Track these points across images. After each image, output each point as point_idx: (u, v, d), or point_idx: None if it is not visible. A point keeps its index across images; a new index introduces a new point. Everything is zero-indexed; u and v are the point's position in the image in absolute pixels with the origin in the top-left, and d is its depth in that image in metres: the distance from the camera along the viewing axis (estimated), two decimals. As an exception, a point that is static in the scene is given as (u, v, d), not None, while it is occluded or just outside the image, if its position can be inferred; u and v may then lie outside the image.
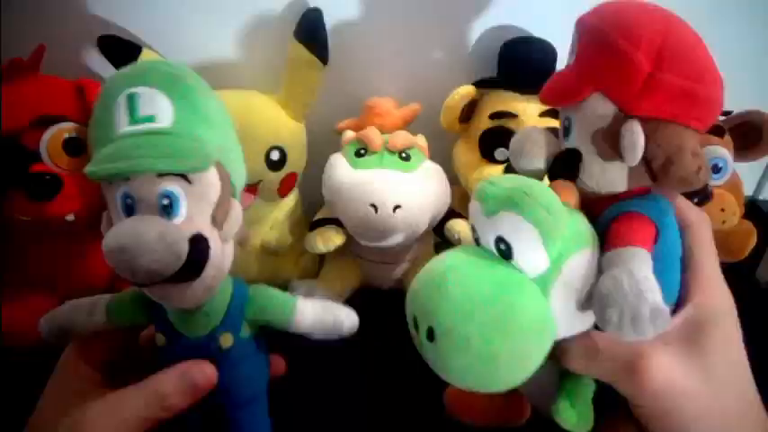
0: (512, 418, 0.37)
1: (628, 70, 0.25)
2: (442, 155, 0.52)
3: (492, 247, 0.27)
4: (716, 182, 0.47)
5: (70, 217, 0.41)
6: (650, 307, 0.23)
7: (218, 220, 0.27)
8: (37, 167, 0.40)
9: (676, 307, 0.28)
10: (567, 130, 0.30)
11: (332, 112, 0.53)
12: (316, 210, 0.53)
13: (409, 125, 0.52)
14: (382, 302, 0.36)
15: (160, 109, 0.26)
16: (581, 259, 0.27)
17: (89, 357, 0.30)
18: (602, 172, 0.28)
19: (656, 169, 0.27)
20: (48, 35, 0.44)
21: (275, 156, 0.48)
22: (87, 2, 0.49)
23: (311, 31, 0.47)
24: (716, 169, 0.46)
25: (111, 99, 0.26)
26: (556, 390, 0.30)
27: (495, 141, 0.50)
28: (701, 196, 0.45)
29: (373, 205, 0.44)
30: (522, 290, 0.26)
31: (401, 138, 0.48)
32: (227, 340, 0.29)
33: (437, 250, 0.52)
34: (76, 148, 0.42)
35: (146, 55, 0.45)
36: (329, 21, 0.48)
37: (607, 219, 0.28)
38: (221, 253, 0.27)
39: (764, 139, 0.48)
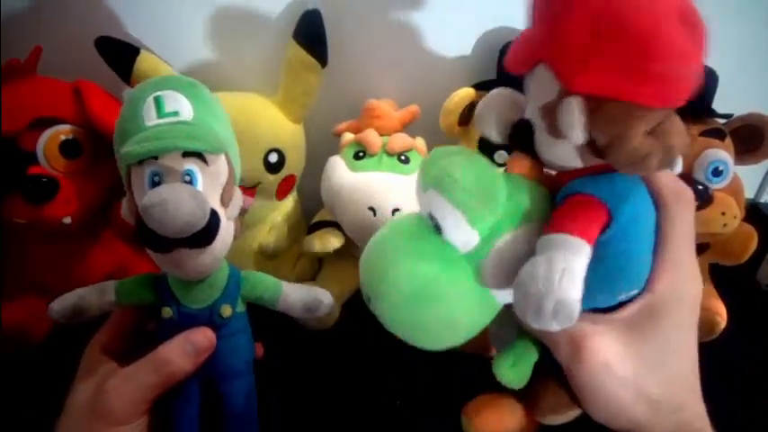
0: (479, 349, 0.40)
1: (564, 40, 0.23)
2: (441, 157, 0.52)
3: (427, 219, 0.28)
4: (717, 185, 0.46)
5: (67, 219, 0.41)
6: (555, 300, 0.22)
7: (224, 200, 0.32)
8: (34, 170, 0.40)
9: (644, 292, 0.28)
10: (521, 102, 0.29)
11: (331, 115, 0.53)
12: (314, 212, 0.53)
13: (408, 127, 0.52)
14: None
15: (182, 106, 0.31)
16: (519, 236, 0.27)
17: (108, 350, 0.33)
18: (550, 148, 0.27)
19: (602, 148, 0.24)
20: (45, 36, 0.44)
21: (273, 158, 0.48)
22: (85, 3, 0.49)
23: (310, 33, 0.47)
24: (717, 172, 0.46)
25: (140, 100, 0.31)
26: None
27: (494, 144, 0.50)
28: (702, 199, 0.45)
29: (372, 208, 0.44)
30: (448, 264, 0.27)
31: (400, 140, 0.48)
32: (226, 310, 0.33)
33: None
34: (73, 150, 0.41)
35: (144, 57, 0.44)
36: (328, 22, 0.48)
37: (559, 198, 0.27)
38: (226, 228, 0.32)
39: (765, 142, 0.47)
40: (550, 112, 0.25)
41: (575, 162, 0.26)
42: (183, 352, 0.31)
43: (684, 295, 0.28)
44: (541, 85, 0.25)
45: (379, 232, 0.30)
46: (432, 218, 0.27)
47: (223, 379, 0.33)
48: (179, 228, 0.28)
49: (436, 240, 0.27)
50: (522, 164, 0.28)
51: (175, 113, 0.30)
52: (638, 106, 0.23)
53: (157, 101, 0.30)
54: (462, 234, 0.26)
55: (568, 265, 0.23)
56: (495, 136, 0.31)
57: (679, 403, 0.27)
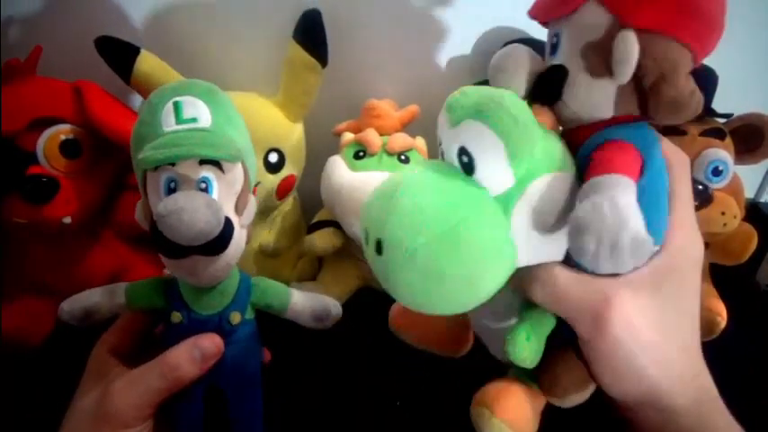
0: (452, 347, 0.36)
1: None
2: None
3: (455, 160, 0.25)
4: (716, 185, 0.46)
5: (67, 219, 0.41)
6: (631, 236, 0.22)
7: (239, 208, 0.32)
8: (33, 170, 0.40)
9: None
10: (554, 48, 0.28)
11: (330, 114, 0.53)
12: (314, 212, 0.53)
13: (408, 127, 0.52)
14: (381, 304, 0.36)
15: (201, 113, 0.31)
16: (552, 182, 0.25)
17: (115, 351, 0.33)
18: (588, 92, 0.26)
19: (647, 87, 0.25)
20: (45, 36, 0.44)
21: (273, 158, 0.48)
22: (85, 3, 0.49)
23: (310, 33, 0.47)
24: (716, 172, 0.46)
25: (159, 104, 0.30)
26: (510, 322, 0.29)
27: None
28: (702, 199, 0.45)
29: (372, 208, 0.44)
30: (478, 206, 0.24)
31: (400, 140, 0.48)
32: (236, 317, 0.33)
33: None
34: (73, 150, 0.41)
35: (144, 57, 0.44)
36: (328, 22, 0.48)
37: (590, 147, 0.26)
38: (240, 236, 0.32)
39: (765, 141, 0.47)
40: (599, 49, 0.25)
41: (606, 109, 0.26)
42: (190, 357, 0.30)
43: (694, 254, 0.27)
44: (587, 23, 0.26)
45: (393, 175, 0.27)
46: (464, 154, 0.24)
47: (230, 386, 0.33)
48: (193, 236, 0.28)
49: (465, 179, 0.25)
50: (546, 115, 0.28)
51: (194, 120, 0.30)
52: (685, 46, 0.24)
53: (176, 106, 0.30)
54: (498, 171, 0.24)
55: (631, 201, 0.23)
56: (518, 85, 0.29)
57: (698, 368, 0.27)
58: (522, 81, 0.28)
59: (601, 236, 0.22)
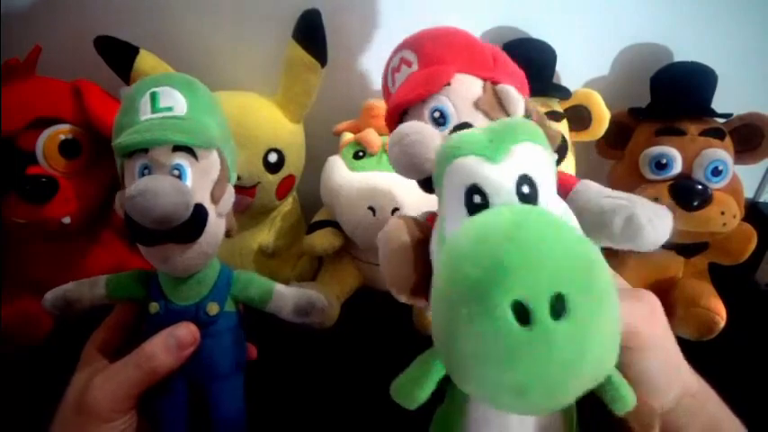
0: None
1: (483, 55, 0.34)
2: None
3: (513, 197, 0.22)
4: (716, 184, 0.46)
5: (66, 219, 0.41)
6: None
7: (215, 197, 0.32)
8: (33, 170, 0.40)
9: None
10: (442, 119, 0.32)
11: (330, 114, 0.53)
12: (314, 212, 0.53)
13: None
14: (381, 304, 0.36)
15: (177, 102, 0.31)
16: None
17: (105, 348, 0.33)
18: None
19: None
20: (45, 36, 0.44)
21: (273, 158, 0.48)
22: (85, 3, 0.49)
23: (310, 33, 0.47)
24: (716, 172, 0.46)
25: (138, 95, 0.31)
26: None
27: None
28: (701, 199, 0.45)
29: (371, 208, 0.44)
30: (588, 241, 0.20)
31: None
32: (213, 308, 0.33)
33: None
34: (73, 150, 0.41)
35: (143, 56, 0.44)
36: (328, 22, 0.48)
37: None
38: (216, 224, 0.32)
39: (765, 141, 0.47)
40: (488, 101, 0.32)
41: None
42: (165, 346, 0.30)
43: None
44: (467, 88, 0.32)
45: (493, 218, 0.20)
46: (525, 183, 0.22)
47: (209, 379, 0.33)
48: (159, 217, 0.28)
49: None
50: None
51: (169, 109, 0.31)
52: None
53: (153, 96, 0.31)
54: (555, 193, 0.24)
55: None
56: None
57: (679, 360, 0.28)
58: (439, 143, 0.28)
59: (645, 210, 0.25)
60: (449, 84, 0.32)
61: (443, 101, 0.32)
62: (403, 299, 0.27)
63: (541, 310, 0.17)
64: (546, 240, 0.18)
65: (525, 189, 0.22)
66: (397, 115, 0.34)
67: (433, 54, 0.34)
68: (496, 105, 0.32)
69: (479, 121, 0.31)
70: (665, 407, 0.27)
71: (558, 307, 0.17)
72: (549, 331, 0.17)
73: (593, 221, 0.26)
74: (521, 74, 0.36)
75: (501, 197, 0.22)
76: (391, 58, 0.36)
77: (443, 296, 0.19)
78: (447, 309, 0.19)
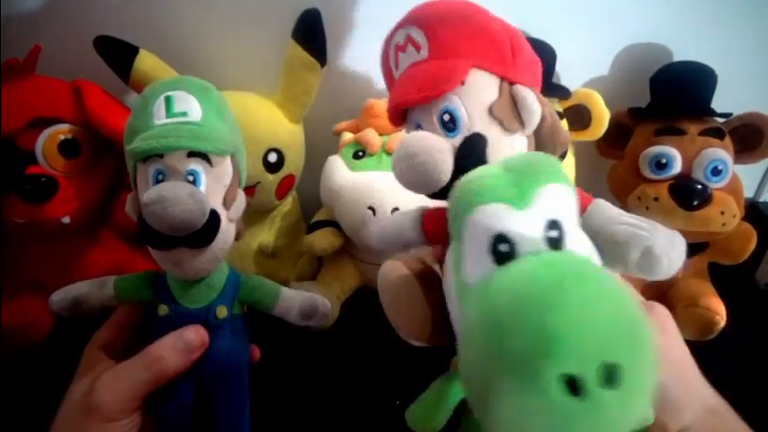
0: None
1: (501, 44, 0.29)
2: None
3: (541, 244, 0.21)
4: (716, 184, 0.46)
5: (66, 219, 0.41)
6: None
7: (227, 202, 0.32)
8: (32, 169, 0.40)
9: None
10: (452, 123, 0.28)
11: (330, 114, 0.53)
12: (314, 212, 0.53)
13: (408, 127, 0.52)
14: (380, 304, 0.36)
15: (192, 107, 0.31)
16: None
17: (107, 347, 0.33)
18: (510, 147, 0.28)
19: (545, 132, 0.28)
20: (45, 36, 0.44)
21: (273, 158, 0.48)
22: (85, 3, 0.49)
23: (309, 32, 0.47)
24: (716, 171, 0.46)
25: (151, 98, 0.31)
26: None
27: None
28: (701, 198, 0.45)
29: (371, 207, 0.44)
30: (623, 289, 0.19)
31: (399, 140, 0.48)
32: (222, 311, 0.33)
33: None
34: (72, 150, 0.41)
35: (143, 56, 0.44)
36: (328, 22, 0.48)
37: None
38: (227, 229, 0.32)
39: (765, 141, 0.47)
40: (503, 107, 0.28)
41: None
42: (174, 349, 0.31)
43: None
44: (480, 88, 0.29)
45: (537, 274, 0.19)
46: (553, 228, 0.21)
47: (216, 381, 0.33)
48: (176, 225, 0.28)
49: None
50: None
51: (184, 114, 0.31)
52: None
53: (168, 100, 0.31)
54: (580, 232, 0.23)
55: None
56: (448, 166, 0.28)
57: (695, 375, 0.28)
58: (450, 160, 0.28)
59: (664, 239, 0.25)
60: (462, 83, 0.28)
61: (455, 101, 0.28)
62: (422, 343, 0.26)
63: (592, 380, 0.16)
64: (589, 301, 0.17)
65: (553, 233, 0.21)
66: (401, 111, 0.32)
67: (447, 43, 0.29)
68: (512, 112, 0.28)
69: (494, 132, 0.28)
70: (680, 424, 0.26)
71: (608, 372, 0.16)
72: (601, 402, 0.16)
73: (608, 251, 0.25)
74: (536, 61, 0.31)
75: (528, 245, 0.21)
76: (394, 34, 0.32)
77: (482, 366, 0.19)
78: (488, 379, 0.18)
